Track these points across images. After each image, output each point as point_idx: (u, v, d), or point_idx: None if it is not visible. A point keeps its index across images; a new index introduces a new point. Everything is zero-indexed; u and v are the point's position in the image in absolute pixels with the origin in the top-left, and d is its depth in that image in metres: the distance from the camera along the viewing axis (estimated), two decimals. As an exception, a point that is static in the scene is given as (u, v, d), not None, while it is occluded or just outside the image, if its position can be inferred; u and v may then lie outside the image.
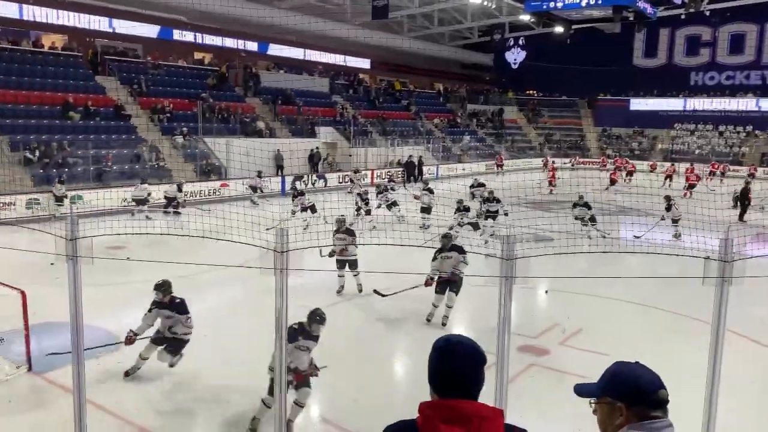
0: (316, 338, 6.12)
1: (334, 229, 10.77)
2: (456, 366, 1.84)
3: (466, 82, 47.69)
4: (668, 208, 15.87)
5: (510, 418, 3.16)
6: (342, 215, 11.33)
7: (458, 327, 10.01)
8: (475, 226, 14.91)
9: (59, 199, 16.75)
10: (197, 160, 22.55)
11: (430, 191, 17.05)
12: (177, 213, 15.57)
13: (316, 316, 6.08)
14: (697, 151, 38.76)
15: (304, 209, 16.30)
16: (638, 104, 43.62)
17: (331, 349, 6.71)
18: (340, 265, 10.62)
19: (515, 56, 43.45)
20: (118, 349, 7.77)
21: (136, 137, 22.00)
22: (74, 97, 21.68)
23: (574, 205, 15.94)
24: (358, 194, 17.41)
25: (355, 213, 16.68)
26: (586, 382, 2.14)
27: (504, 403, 3.01)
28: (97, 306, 7.24)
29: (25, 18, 24.23)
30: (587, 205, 15.79)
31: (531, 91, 48.74)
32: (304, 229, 14.41)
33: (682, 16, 35.89)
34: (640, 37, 41.58)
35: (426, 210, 16.69)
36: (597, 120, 45.17)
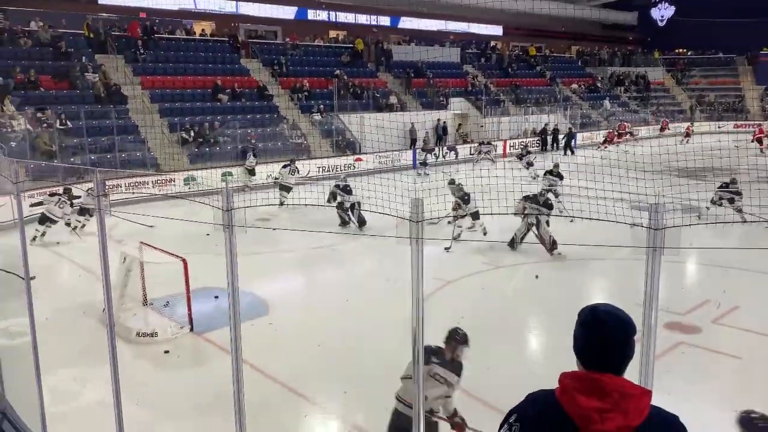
0: (458, 369, 4.64)
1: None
2: (602, 338, 1.74)
3: (606, 44, 44.78)
4: None
5: (657, 398, 3.01)
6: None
7: (598, 300, 9.63)
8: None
9: (251, 171, 18.93)
10: (333, 136, 23.37)
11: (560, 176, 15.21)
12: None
13: (456, 335, 4.65)
14: None
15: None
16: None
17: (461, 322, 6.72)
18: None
19: (662, 12, 40.15)
20: (267, 314, 8.37)
21: (278, 116, 23.21)
22: (222, 80, 23.26)
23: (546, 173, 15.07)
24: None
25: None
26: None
27: (650, 382, 2.87)
28: (247, 273, 7.83)
29: (175, 8, 26.33)
30: (559, 175, 14.83)
31: (680, 50, 44.76)
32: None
33: None
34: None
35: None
36: (759, 77, 40.52)
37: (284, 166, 16.99)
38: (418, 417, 3.31)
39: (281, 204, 14.98)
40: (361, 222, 12.96)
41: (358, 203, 12.58)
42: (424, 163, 22.82)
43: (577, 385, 1.68)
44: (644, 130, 33.16)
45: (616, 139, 27.93)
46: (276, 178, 16.96)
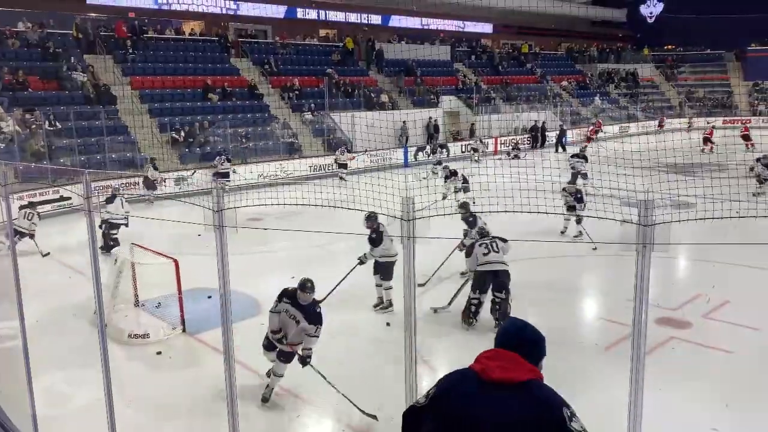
0: (313, 317, 5.89)
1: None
2: (510, 333, 2.30)
3: (596, 41, 44.95)
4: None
5: (648, 393, 3.03)
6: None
7: (591, 297, 9.70)
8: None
9: (224, 175, 18.21)
10: (325, 135, 23.34)
11: None
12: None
13: (306, 285, 5.92)
14: None
15: (457, 191, 15.23)
16: (799, 53, 38.88)
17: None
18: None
19: (651, 9, 40.34)
20: (259, 314, 8.37)
21: (268, 115, 23.14)
22: (212, 80, 23.16)
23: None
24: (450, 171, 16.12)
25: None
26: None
27: (641, 376, 2.90)
28: (239, 273, 7.81)
29: (163, 8, 26.20)
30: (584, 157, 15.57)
31: (669, 46, 44.96)
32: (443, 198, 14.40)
33: None
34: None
35: None
36: (747, 73, 40.79)
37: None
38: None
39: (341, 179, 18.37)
40: None
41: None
42: (439, 162, 20.44)
43: (486, 353, 2.22)
44: (633, 127, 33.36)
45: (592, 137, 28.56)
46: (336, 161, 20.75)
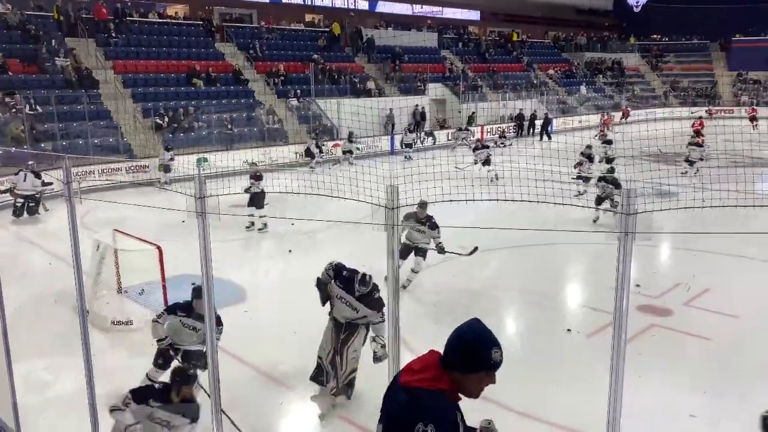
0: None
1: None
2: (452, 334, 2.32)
3: (582, 30, 45.02)
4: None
5: (628, 380, 3.07)
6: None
7: (574, 284, 9.78)
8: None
9: (166, 168, 17.11)
10: (310, 122, 23.20)
11: None
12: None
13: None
14: None
15: (485, 162, 16.76)
16: (782, 44, 39.22)
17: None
18: None
19: (637, -2, 40.44)
20: (243, 301, 8.35)
21: (254, 101, 22.95)
22: (198, 64, 22.90)
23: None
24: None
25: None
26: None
27: (621, 364, 2.92)
28: (223, 259, 7.77)
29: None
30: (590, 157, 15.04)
31: (655, 36, 45.16)
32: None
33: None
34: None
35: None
36: (731, 64, 41.14)
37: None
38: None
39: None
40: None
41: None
42: (409, 145, 22.80)
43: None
44: (616, 116, 33.39)
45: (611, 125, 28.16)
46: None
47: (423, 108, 26.59)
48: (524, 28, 41.80)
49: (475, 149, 17.84)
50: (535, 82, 34.46)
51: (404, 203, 3.63)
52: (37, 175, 13.33)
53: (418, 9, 36.11)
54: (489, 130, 27.28)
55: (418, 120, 26.30)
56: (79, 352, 4.30)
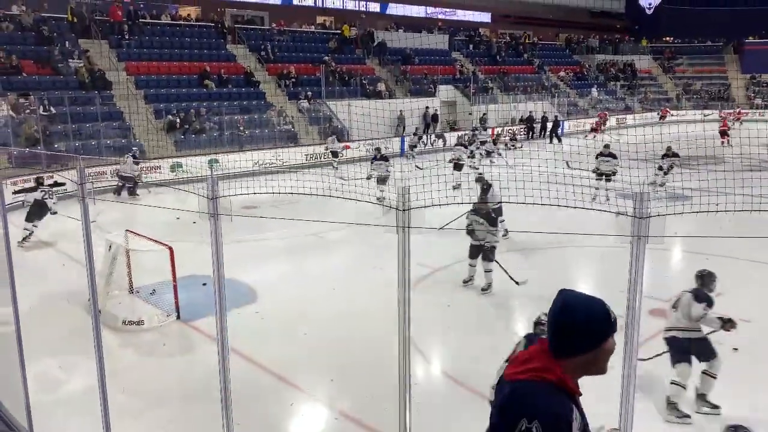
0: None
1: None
2: (550, 321, 2.05)
3: (594, 32, 44.80)
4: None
5: (641, 384, 3.04)
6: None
7: (586, 288, 9.69)
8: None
9: (128, 179, 15.81)
10: (321, 123, 23.25)
11: None
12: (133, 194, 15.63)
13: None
14: None
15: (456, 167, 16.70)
16: (796, 46, 38.85)
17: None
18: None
19: (649, 0, 40.21)
20: (254, 302, 8.37)
21: (265, 103, 23.03)
22: (209, 66, 23.02)
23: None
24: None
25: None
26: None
27: (633, 367, 2.91)
28: (234, 260, 7.78)
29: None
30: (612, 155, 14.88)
31: (667, 38, 44.85)
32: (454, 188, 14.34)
33: None
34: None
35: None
36: (744, 66, 40.77)
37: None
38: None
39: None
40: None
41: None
42: (413, 146, 22.91)
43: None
44: (630, 119, 33.32)
45: (600, 129, 28.09)
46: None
47: (436, 110, 26.58)
48: (535, 30, 41.67)
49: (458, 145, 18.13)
50: (546, 84, 34.33)
51: (414, 205, 3.63)
52: (137, 162, 15.46)
53: (430, 10, 36.09)
54: (499, 132, 27.22)
55: (428, 122, 26.29)
56: (91, 351, 4.32)
